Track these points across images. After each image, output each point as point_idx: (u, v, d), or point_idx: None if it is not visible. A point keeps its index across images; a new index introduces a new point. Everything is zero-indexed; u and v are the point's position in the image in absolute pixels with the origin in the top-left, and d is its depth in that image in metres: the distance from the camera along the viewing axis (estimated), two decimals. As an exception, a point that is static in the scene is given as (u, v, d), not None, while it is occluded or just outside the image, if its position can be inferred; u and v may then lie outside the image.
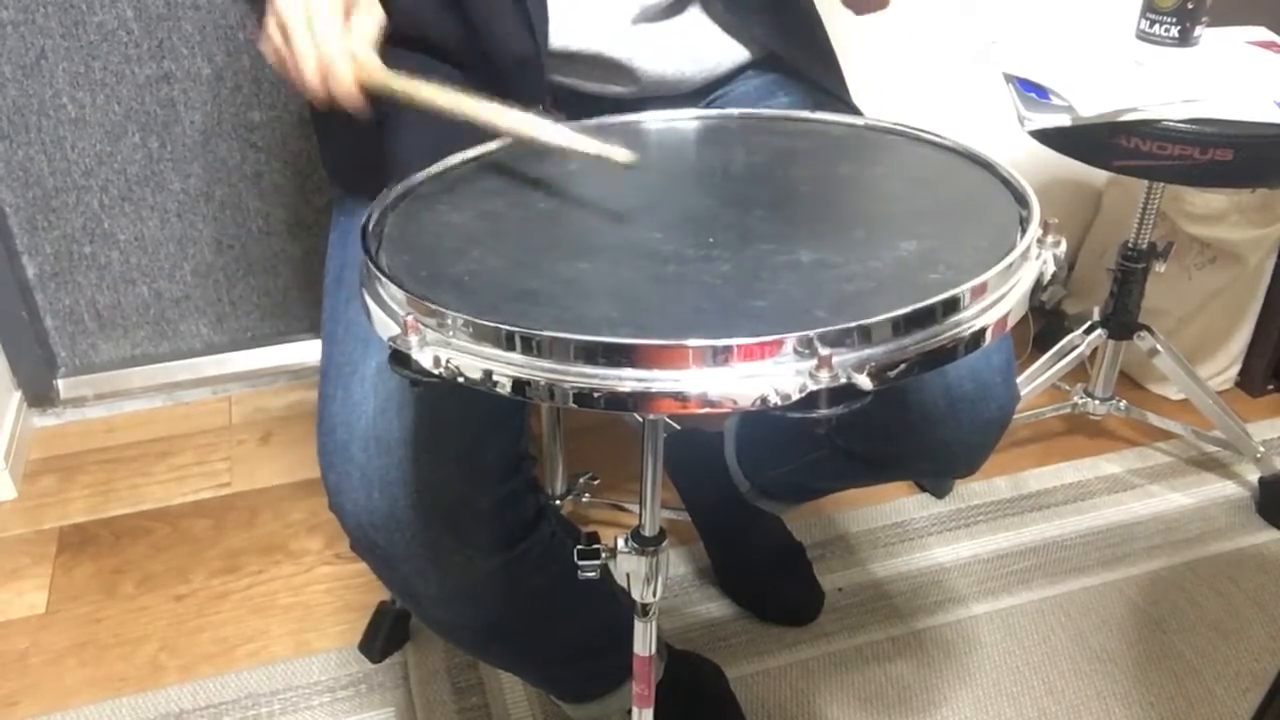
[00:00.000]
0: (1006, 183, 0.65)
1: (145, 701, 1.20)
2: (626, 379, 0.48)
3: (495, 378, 0.49)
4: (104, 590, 1.36)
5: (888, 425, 0.86)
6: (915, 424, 0.84)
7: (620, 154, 0.66)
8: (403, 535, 0.77)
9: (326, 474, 0.78)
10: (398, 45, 0.74)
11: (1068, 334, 1.48)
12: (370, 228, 0.61)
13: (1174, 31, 1.24)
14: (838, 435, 0.92)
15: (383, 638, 1.24)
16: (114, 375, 1.71)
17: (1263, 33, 1.33)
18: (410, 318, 0.51)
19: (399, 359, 0.51)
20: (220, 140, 1.59)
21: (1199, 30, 1.24)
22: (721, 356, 0.47)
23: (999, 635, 1.26)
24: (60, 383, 1.69)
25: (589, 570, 0.74)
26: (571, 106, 0.90)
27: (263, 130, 1.60)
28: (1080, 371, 1.50)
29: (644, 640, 0.78)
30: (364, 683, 1.22)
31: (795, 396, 0.47)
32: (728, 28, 0.94)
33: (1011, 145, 1.14)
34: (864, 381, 0.47)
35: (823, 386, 0.47)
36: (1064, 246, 0.57)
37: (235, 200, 1.65)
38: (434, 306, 0.51)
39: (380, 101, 0.70)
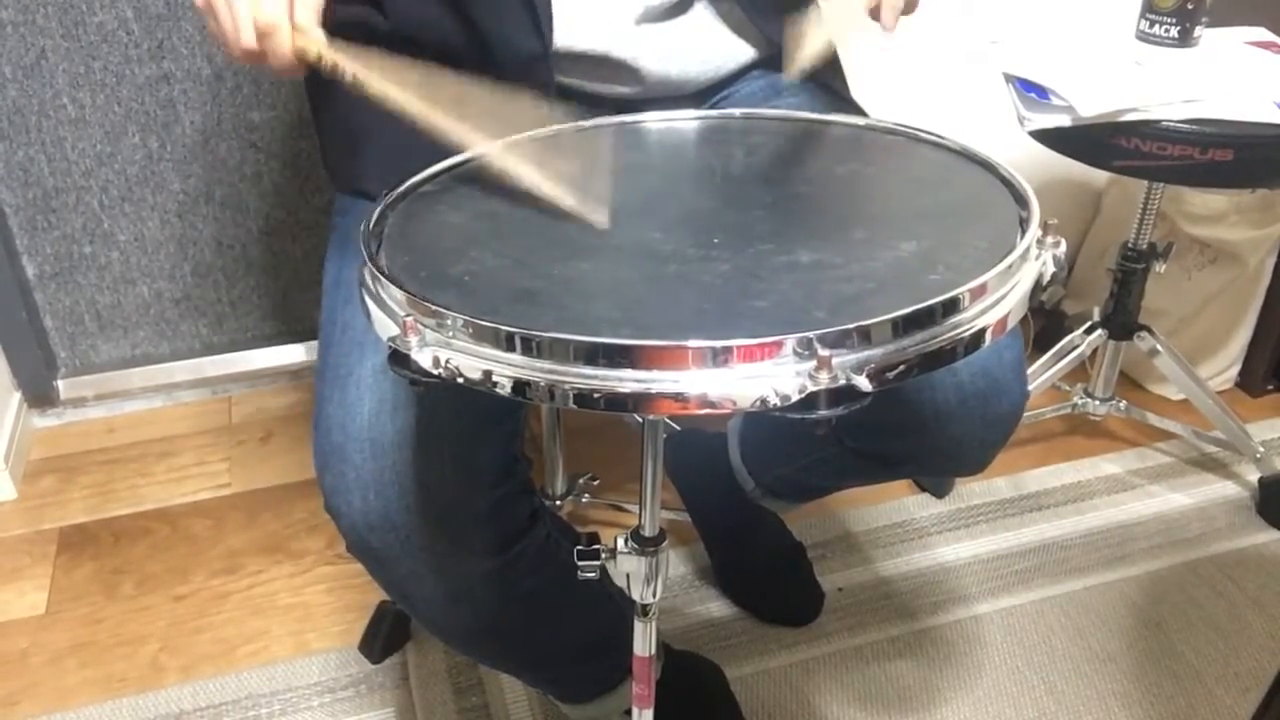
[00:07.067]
0: (1007, 183, 0.65)
1: (145, 701, 1.20)
2: (626, 380, 0.48)
3: (495, 378, 0.49)
4: (104, 590, 1.36)
5: (899, 423, 0.85)
6: (926, 421, 0.84)
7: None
8: (398, 537, 0.77)
9: (322, 476, 0.78)
10: (401, 47, 0.73)
11: (1068, 334, 1.48)
12: (370, 228, 0.61)
13: (1174, 32, 1.24)
14: (846, 434, 0.92)
15: (382, 638, 1.24)
16: (114, 375, 1.71)
17: (1263, 33, 1.33)
18: (410, 318, 0.51)
19: (399, 359, 0.51)
20: (220, 140, 1.59)
21: (1199, 31, 1.24)
22: (721, 357, 0.47)
23: (999, 635, 1.26)
24: (60, 383, 1.69)
25: (589, 571, 0.74)
26: (575, 107, 0.90)
27: (263, 130, 1.60)
28: (1080, 372, 1.50)
29: (644, 640, 0.78)
30: (364, 683, 1.22)
31: (795, 398, 0.47)
32: (734, 26, 0.94)
33: (1011, 145, 1.14)
34: (863, 383, 0.47)
35: (822, 388, 0.47)
36: (1064, 247, 0.57)
37: (235, 200, 1.64)
38: (434, 307, 0.51)
39: (319, 73, 0.69)
